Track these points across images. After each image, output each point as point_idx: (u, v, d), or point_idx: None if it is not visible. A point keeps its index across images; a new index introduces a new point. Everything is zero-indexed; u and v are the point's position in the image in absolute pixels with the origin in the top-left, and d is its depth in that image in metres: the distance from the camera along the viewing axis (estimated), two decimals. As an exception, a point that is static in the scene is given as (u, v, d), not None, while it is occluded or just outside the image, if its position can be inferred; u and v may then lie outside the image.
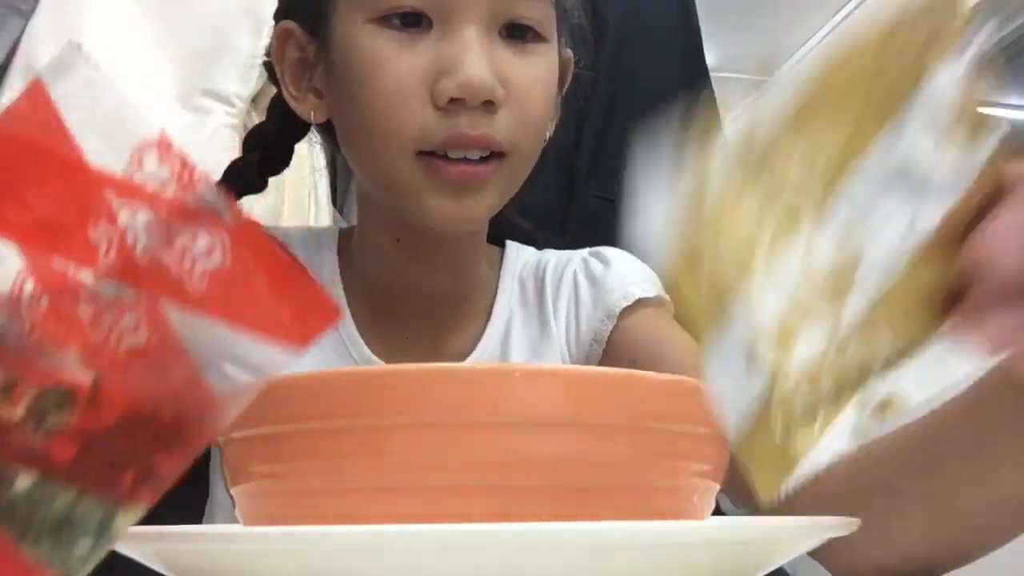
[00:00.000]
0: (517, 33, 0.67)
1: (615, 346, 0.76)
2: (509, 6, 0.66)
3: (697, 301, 0.27)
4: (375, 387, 0.36)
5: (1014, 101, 3.56)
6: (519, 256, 0.83)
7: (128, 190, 0.25)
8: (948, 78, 0.26)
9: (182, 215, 0.25)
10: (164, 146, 0.25)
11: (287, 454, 0.37)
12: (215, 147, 1.25)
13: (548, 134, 0.76)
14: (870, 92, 0.26)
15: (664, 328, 0.75)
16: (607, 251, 0.81)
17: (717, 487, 0.41)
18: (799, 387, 0.27)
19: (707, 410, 0.39)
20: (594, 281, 0.78)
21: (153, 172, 0.25)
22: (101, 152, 0.25)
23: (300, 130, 0.78)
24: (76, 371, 0.24)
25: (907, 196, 0.26)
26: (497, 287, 0.80)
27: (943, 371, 0.27)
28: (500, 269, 0.81)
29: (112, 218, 0.25)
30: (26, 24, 1.21)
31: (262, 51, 1.21)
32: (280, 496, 0.38)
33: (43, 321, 0.23)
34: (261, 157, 0.83)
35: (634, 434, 0.37)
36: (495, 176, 0.67)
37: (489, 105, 0.65)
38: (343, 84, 0.69)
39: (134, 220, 0.25)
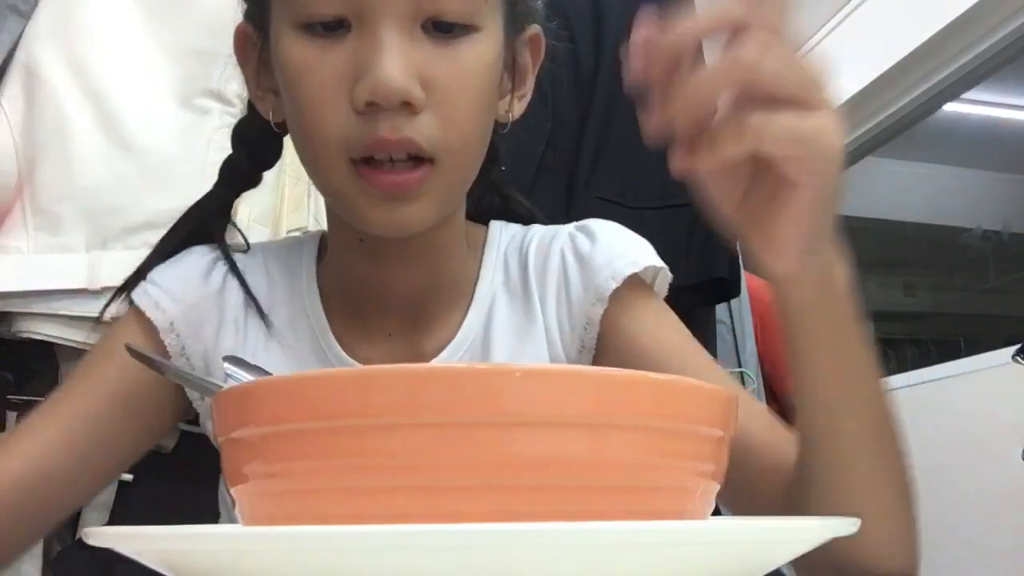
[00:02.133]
0: (443, 27, 0.64)
1: (608, 329, 0.75)
2: (427, 3, 0.63)
3: None
4: (375, 387, 0.36)
5: (1014, 101, 3.57)
6: (503, 234, 0.81)
7: None
8: None
9: None
10: None
11: (285, 454, 0.37)
12: (214, 147, 1.25)
13: (513, 116, 0.73)
14: None
15: (652, 317, 0.75)
16: (593, 224, 0.79)
17: (717, 487, 0.41)
18: None
19: (707, 410, 0.39)
20: (582, 260, 0.76)
21: None
22: None
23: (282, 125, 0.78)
24: None
25: None
26: (479, 270, 0.78)
27: None
28: (483, 250, 0.79)
29: None
30: (26, 24, 1.21)
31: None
32: (280, 496, 0.38)
33: None
34: (249, 152, 0.82)
35: (634, 434, 0.37)
36: (428, 183, 0.64)
37: (408, 107, 0.62)
38: (282, 88, 0.68)
39: None
